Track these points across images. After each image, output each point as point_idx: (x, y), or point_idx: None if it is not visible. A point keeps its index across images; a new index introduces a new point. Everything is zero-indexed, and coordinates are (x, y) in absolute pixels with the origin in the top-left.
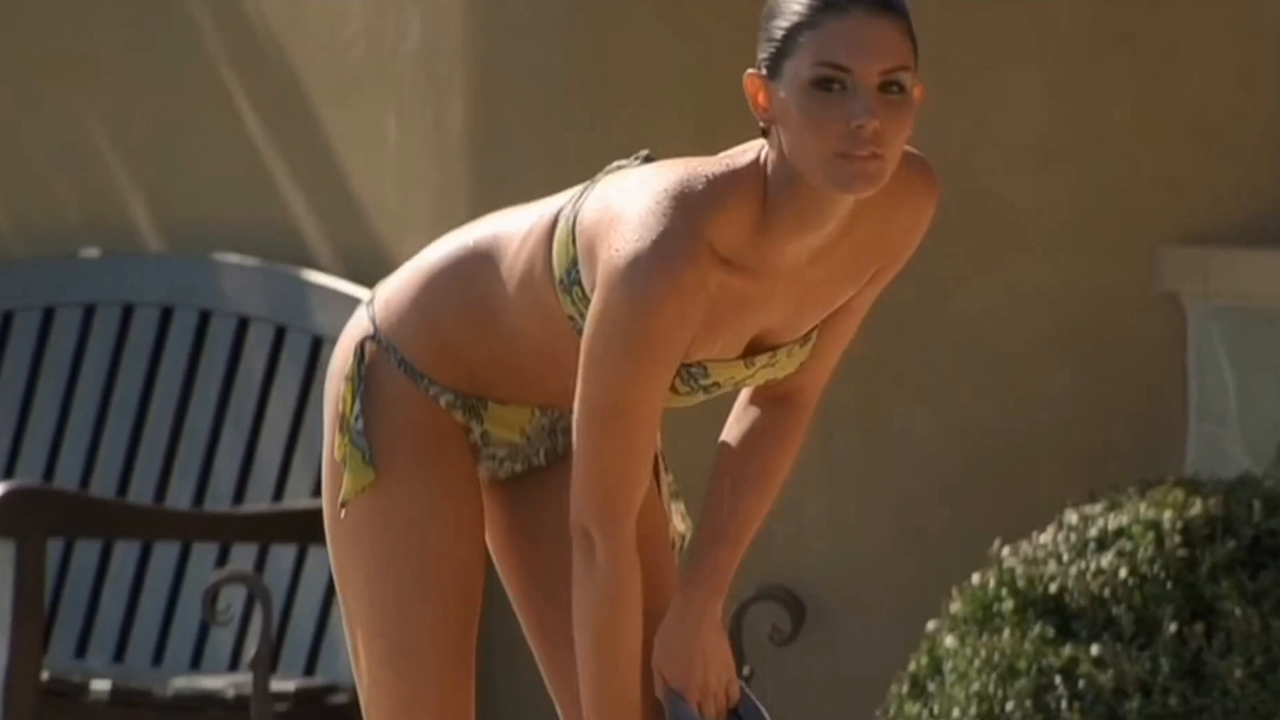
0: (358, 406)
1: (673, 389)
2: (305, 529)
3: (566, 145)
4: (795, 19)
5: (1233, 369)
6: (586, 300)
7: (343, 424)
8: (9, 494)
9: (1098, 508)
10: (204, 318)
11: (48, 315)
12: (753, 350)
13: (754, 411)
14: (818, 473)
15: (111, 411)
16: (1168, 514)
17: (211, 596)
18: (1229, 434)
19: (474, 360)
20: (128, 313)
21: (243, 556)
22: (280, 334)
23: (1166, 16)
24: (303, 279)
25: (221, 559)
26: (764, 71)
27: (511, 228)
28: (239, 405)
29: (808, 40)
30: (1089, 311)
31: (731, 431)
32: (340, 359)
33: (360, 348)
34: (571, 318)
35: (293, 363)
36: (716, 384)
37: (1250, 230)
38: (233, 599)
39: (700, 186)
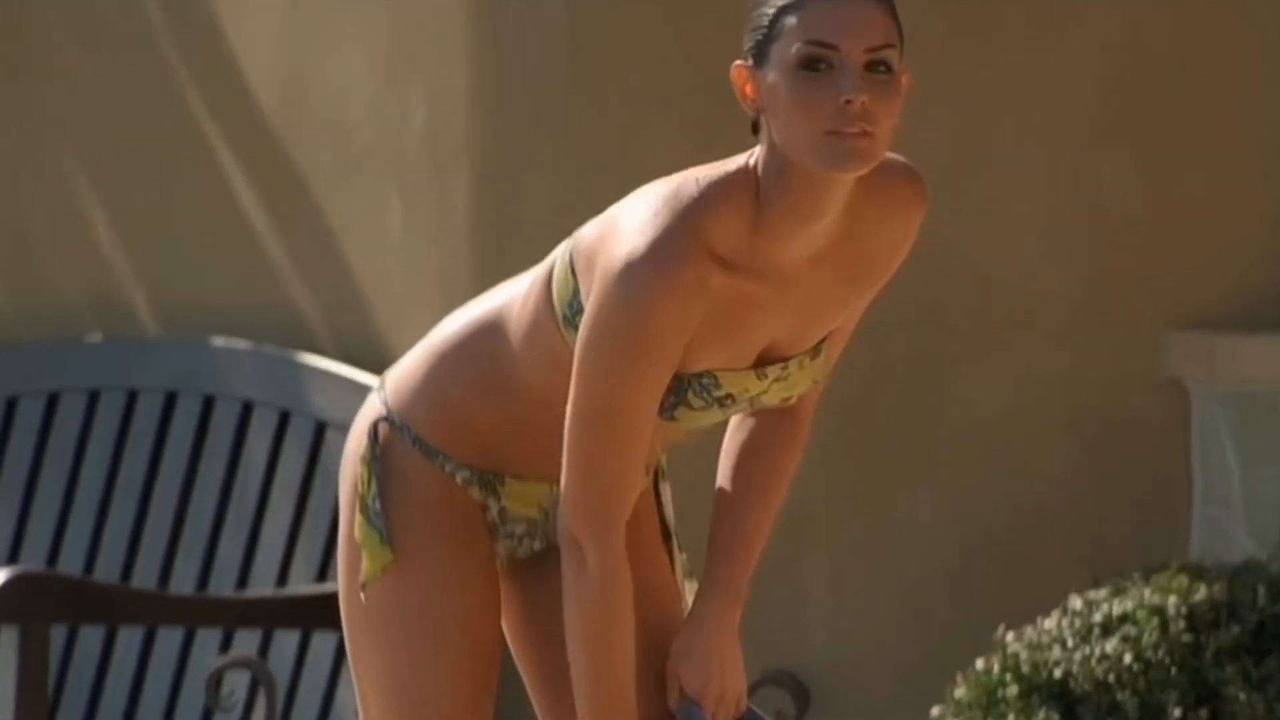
0: (375, 488)
1: (687, 404)
2: (309, 614)
3: (571, 228)
4: (780, 3)
5: (1237, 454)
6: None
7: (361, 505)
8: (12, 580)
9: (1102, 593)
10: (207, 403)
11: (51, 400)
12: (763, 362)
13: (751, 422)
14: (821, 556)
15: (115, 497)
16: (1172, 599)
17: (215, 682)
18: (1233, 519)
19: (489, 432)
20: (131, 398)
21: (247, 642)
22: (284, 419)
23: (1170, 105)
24: (306, 364)
25: (225, 644)
26: (750, 61)
27: (514, 291)
28: (242, 490)
29: (793, 22)
30: (1093, 396)
31: (732, 443)
32: (354, 443)
33: (374, 429)
34: None
35: (296, 448)
36: (730, 396)
37: (1254, 316)
38: (237, 684)
39: (694, 189)
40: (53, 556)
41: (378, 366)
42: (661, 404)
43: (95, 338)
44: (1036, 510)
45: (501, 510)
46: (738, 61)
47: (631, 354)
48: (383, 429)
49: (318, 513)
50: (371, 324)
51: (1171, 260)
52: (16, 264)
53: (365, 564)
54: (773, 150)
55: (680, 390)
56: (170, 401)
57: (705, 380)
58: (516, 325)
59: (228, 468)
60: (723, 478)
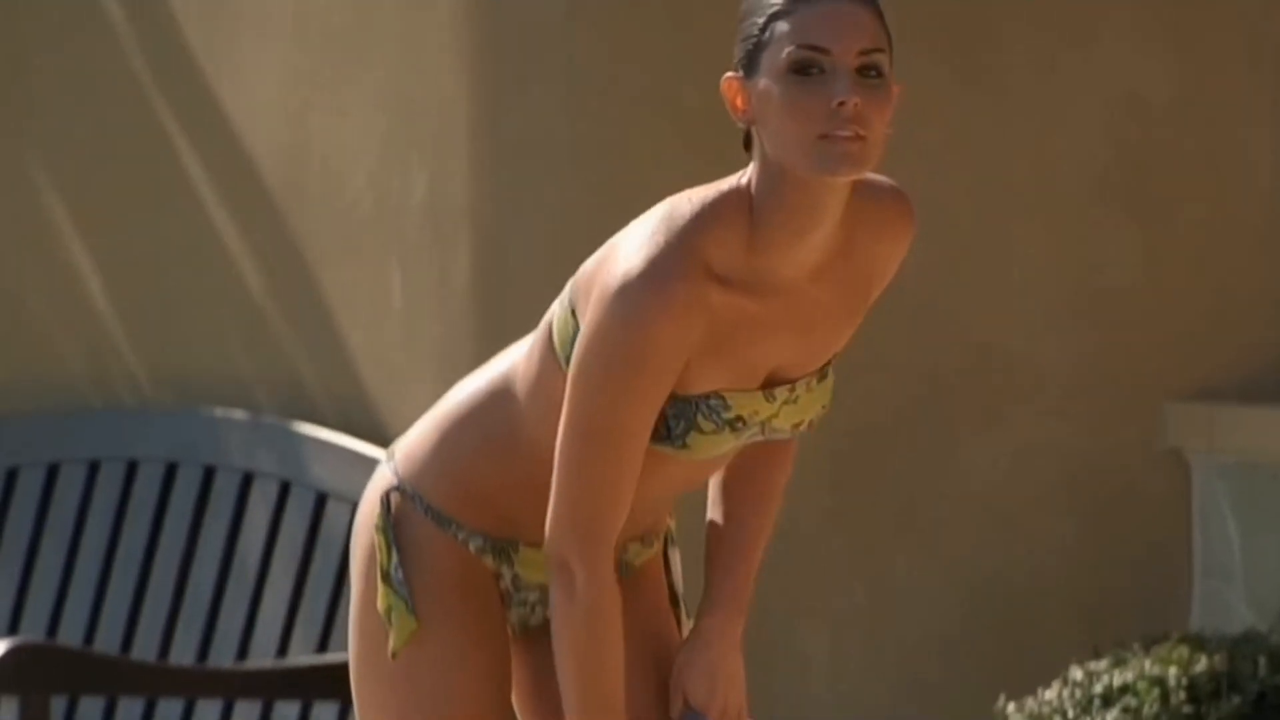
0: (395, 556)
1: (698, 428)
2: (310, 685)
3: None
4: (768, 11)
5: (1237, 525)
6: None
7: (384, 575)
8: (13, 650)
9: (1102, 663)
10: (207, 473)
11: (52, 471)
12: (771, 383)
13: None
14: (821, 622)
15: (115, 567)
16: (1173, 670)
17: None
18: (1234, 590)
19: (501, 496)
20: (131, 468)
21: (247, 713)
22: (284, 489)
23: (1169, 175)
24: (306, 434)
25: (226, 716)
26: (741, 72)
27: (517, 352)
28: (243, 561)
29: (784, 28)
30: (1093, 466)
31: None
32: (367, 514)
33: (386, 499)
34: None
35: (296, 518)
36: (740, 419)
37: (1254, 387)
38: None
39: (688, 209)
40: (53, 627)
41: (378, 437)
42: (671, 430)
43: (95, 409)
44: (1037, 580)
45: (515, 578)
46: (728, 74)
47: (628, 372)
48: (394, 498)
49: (318, 583)
50: (372, 395)
51: (1172, 330)
52: (16, 334)
53: (394, 634)
54: (765, 162)
55: (689, 413)
56: (170, 472)
57: (713, 402)
58: (522, 382)
59: (228, 538)
60: (714, 498)
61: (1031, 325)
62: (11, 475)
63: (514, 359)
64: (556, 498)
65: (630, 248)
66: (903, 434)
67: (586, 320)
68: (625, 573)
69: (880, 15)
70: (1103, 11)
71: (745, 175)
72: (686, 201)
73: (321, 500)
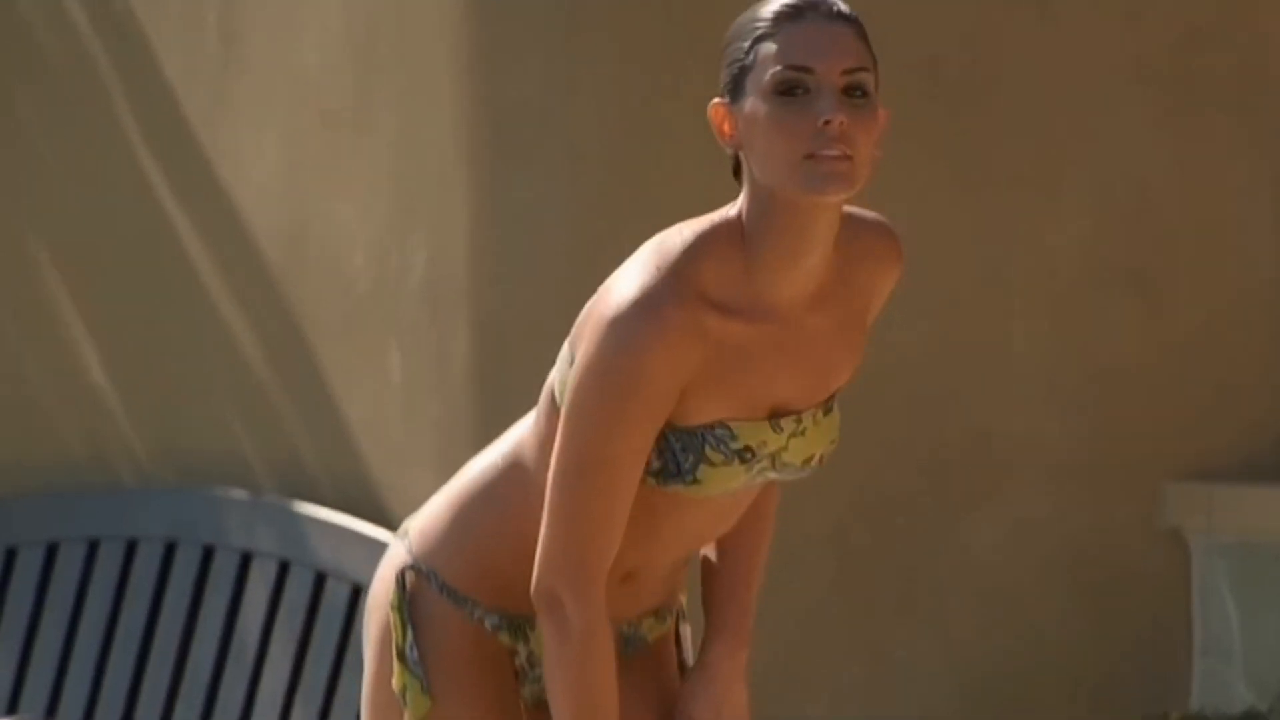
0: (410, 635)
1: (707, 460)
2: None
3: None
4: (754, 34)
5: (1236, 604)
6: None
7: (399, 654)
8: None
9: None
10: (207, 553)
11: (51, 550)
12: (777, 415)
13: None
14: (820, 700)
15: (115, 646)
16: None
17: None
18: (1233, 670)
19: (516, 571)
20: (131, 547)
21: None
22: (283, 568)
23: (1167, 254)
24: (305, 513)
25: None
26: (727, 97)
27: (525, 424)
28: (242, 640)
29: (768, 50)
30: (1093, 546)
31: None
32: (381, 592)
33: (400, 577)
34: None
35: (295, 597)
36: (749, 450)
37: (1253, 467)
38: None
39: (680, 239)
40: (52, 706)
41: (377, 516)
42: (681, 465)
43: (94, 488)
44: (1036, 659)
45: (530, 654)
46: (715, 100)
47: (623, 399)
48: (410, 577)
49: (317, 663)
50: (371, 473)
51: (1170, 410)
52: (16, 413)
53: (408, 713)
54: (755, 187)
55: (697, 445)
56: (170, 551)
57: (719, 431)
58: (530, 451)
59: (227, 617)
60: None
61: (1031, 404)
62: (11, 554)
63: (521, 431)
64: (547, 533)
65: (623, 280)
66: (904, 511)
67: (581, 354)
68: (639, 648)
69: (864, 36)
70: (1103, 95)
71: (736, 205)
72: (678, 233)
73: (321, 579)
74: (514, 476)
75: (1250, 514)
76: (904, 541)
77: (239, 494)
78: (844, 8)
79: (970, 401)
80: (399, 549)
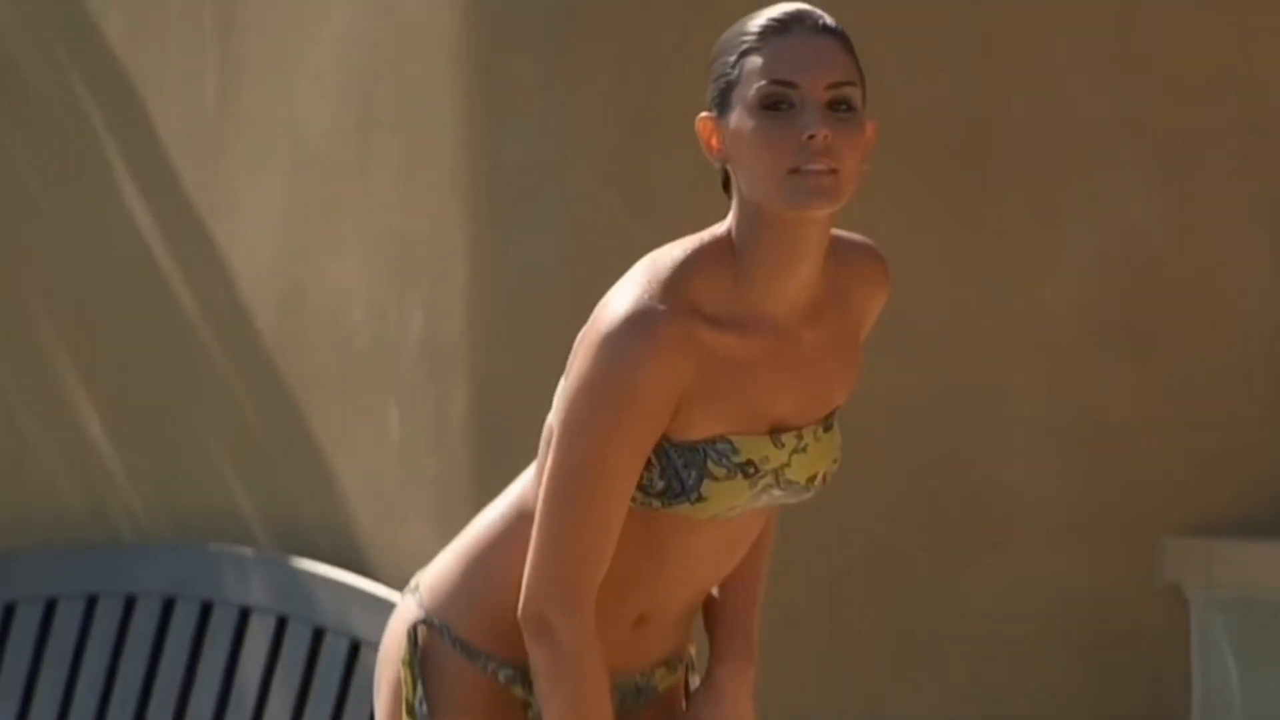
0: (420, 690)
1: (710, 475)
2: None
3: None
4: (740, 48)
5: (1236, 661)
6: None
7: (409, 709)
8: None
9: None
10: (205, 608)
11: (50, 606)
12: (777, 430)
13: None
14: None
15: (113, 702)
16: None
17: None
18: None
19: None
20: (129, 603)
21: None
22: (281, 624)
23: (1165, 308)
24: (303, 569)
25: None
26: (715, 111)
27: (528, 477)
28: (240, 696)
29: (753, 65)
30: (1092, 601)
31: None
32: (392, 647)
33: (413, 632)
34: None
35: (294, 654)
36: (752, 464)
37: (1252, 522)
38: None
39: (671, 256)
40: None
41: (375, 572)
42: (685, 482)
43: (93, 544)
44: (1035, 715)
45: None
46: (702, 114)
47: (616, 411)
48: (421, 631)
49: (316, 718)
50: (369, 530)
51: (1169, 465)
52: (14, 469)
53: None
54: (743, 201)
55: (699, 460)
56: (168, 607)
57: (721, 446)
58: (534, 500)
59: (225, 673)
60: None
61: (1030, 459)
62: (10, 610)
63: (525, 483)
64: (537, 553)
65: (616, 298)
66: (902, 565)
67: (574, 371)
68: (650, 698)
69: (851, 50)
70: (1100, 149)
71: (727, 221)
72: (669, 251)
73: (319, 635)
74: (520, 528)
75: (1250, 569)
76: (902, 597)
77: (237, 550)
78: (830, 21)
79: (968, 456)
80: (409, 604)
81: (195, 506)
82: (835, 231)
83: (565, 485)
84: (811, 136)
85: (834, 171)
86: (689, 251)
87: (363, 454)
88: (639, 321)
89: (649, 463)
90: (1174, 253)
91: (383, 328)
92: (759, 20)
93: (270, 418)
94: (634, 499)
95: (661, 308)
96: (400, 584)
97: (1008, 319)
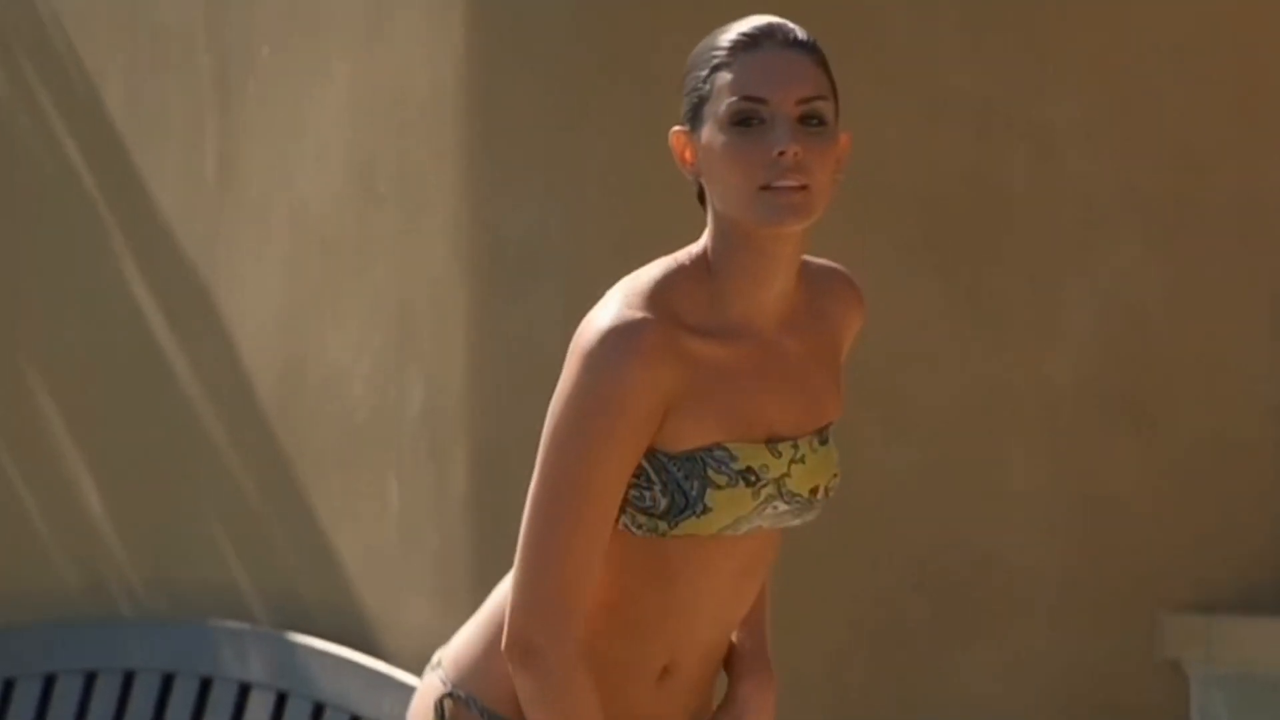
0: None
1: (712, 483)
2: None
3: None
4: (711, 63)
5: None
6: None
7: None
8: None
9: None
10: (204, 684)
11: (48, 682)
12: (773, 439)
13: None
14: None
15: None
16: None
17: None
18: None
19: None
20: (128, 679)
21: None
22: (281, 701)
23: (1165, 382)
24: (302, 645)
25: None
26: (687, 125)
27: None
28: None
29: (725, 80)
30: (1091, 677)
31: None
32: None
33: (439, 707)
34: None
35: None
36: (752, 471)
37: (1252, 598)
38: None
39: (648, 274)
40: None
41: (375, 648)
42: (688, 495)
43: (91, 620)
44: None
45: None
46: (675, 127)
47: (600, 419)
48: (448, 705)
49: None
50: (369, 605)
51: (1169, 540)
52: (12, 545)
53: None
54: (717, 215)
55: (698, 469)
56: (167, 683)
57: (718, 453)
58: None
59: None
60: None
61: (1029, 534)
62: (8, 686)
63: None
64: (520, 574)
65: (596, 314)
66: (900, 639)
67: (557, 388)
68: None
69: (823, 63)
70: (1101, 222)
71: (702, 238)
72: (646, 269)
73: (319, 711)
74: None
75: (1249, 646)
76: (901, 672)
77: (236, 626)
78: (801, 35)
79: (967, 531)
80: (432, 680)
81: (194, 582)
82: (806, 257)
83: (550, 505)
84: (782, 153)
85: (804, 188)
86: (665, 269)
87: (362, 528)
88: (621, 331)
89: (650, 483)
90: (1174, 327)
91: (382, 400)
92: (730, 35)
93: (269, 492)
94: (640, 525)
95: (642, 316)
96: (401, 660)
97: (1007, 392)
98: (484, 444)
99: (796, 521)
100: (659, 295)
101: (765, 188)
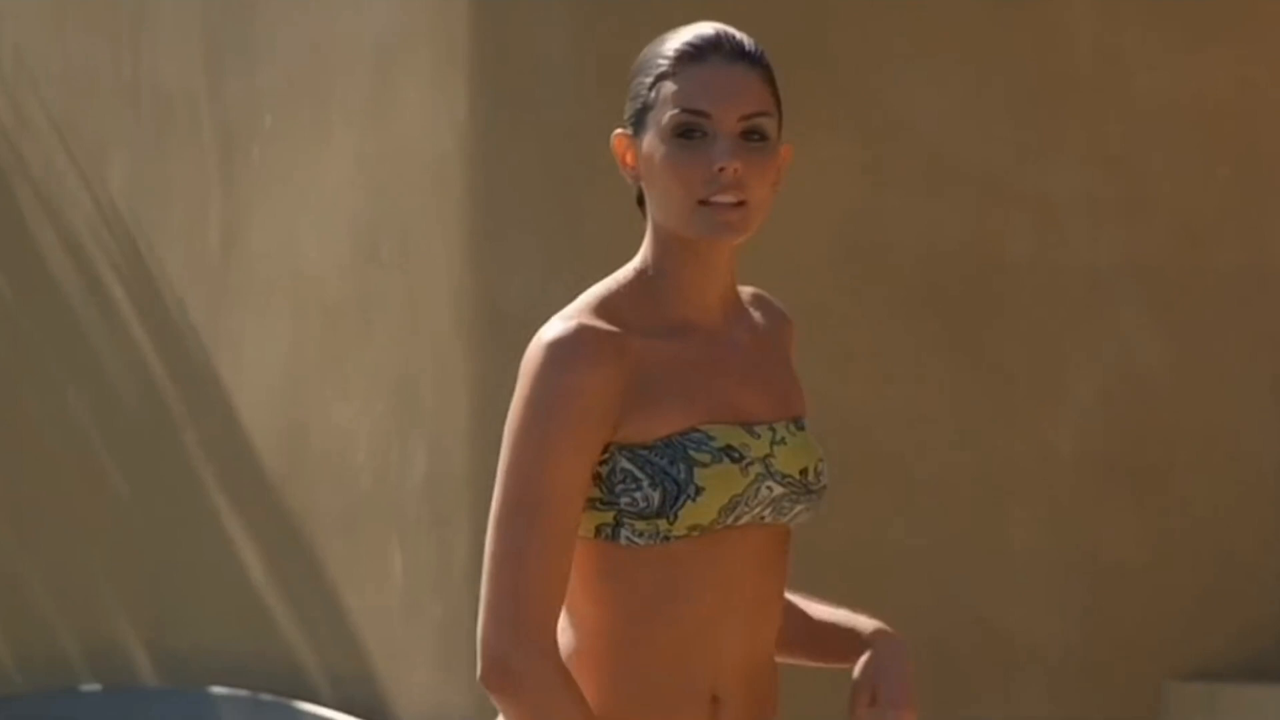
0: None
1: (697, 463)
2: None
3: None
4: (656, 71)
5: None
6: None
7: None
8: None
9: None
10: None
11: None
12: (749, 422)
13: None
14: None
15: None
16: None
17: None
18: None
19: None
20: None
21: None
22: None
23: (1167, 450)
24: (306, 713)
25: None
26: (630, 129)
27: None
28: None
29: (669, 90)
30: None
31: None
32: None
33: None
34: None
35: None
36: (733, 449)
37: (1255, 666)
38: None
39: (590, 291)
40: None
41: (378, 716)
42: (677, 480)
43: (93, 687)
44: None
45: None
46: (618, 130)
47: (551, 421)
48: None
49: None
50: (371, 673)
51: (1171, 608)
52: (14, 613)
53: None
54: (655, 221)
55: (679, 452)
56: None
57: (694, 435)
58: (584, 597)
59: None
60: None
61: (1031, 600)
62: None
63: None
64: (486, 593)
65: (542, 331)
66: None
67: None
68: None
69: (768, 77)
70: (1103, 293)
71: (642, 249)
72: (589, 290)
73: None
74: (580, 643)
75: (1251, 714)
76: None
77: (239, 694)
78: (749, 46)
79: (969, 598)
80: None
81: (196, 649)
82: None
83: (507, 518)
84: (721, 169)
85: (742, 203)
86: (607, 283)
87: (366, 597)
88: (557, 340)
89: (637, 482)
90: (1176, 395)
91: (385, 468)
92: (676, 43)
93: (272, 560)
94: (641, 533)
95: (577, 323)
96: None
97: (1010, 458)
98: (487, 512)
99: (802, 512)
100: (599, 304)
101: (703, 202)
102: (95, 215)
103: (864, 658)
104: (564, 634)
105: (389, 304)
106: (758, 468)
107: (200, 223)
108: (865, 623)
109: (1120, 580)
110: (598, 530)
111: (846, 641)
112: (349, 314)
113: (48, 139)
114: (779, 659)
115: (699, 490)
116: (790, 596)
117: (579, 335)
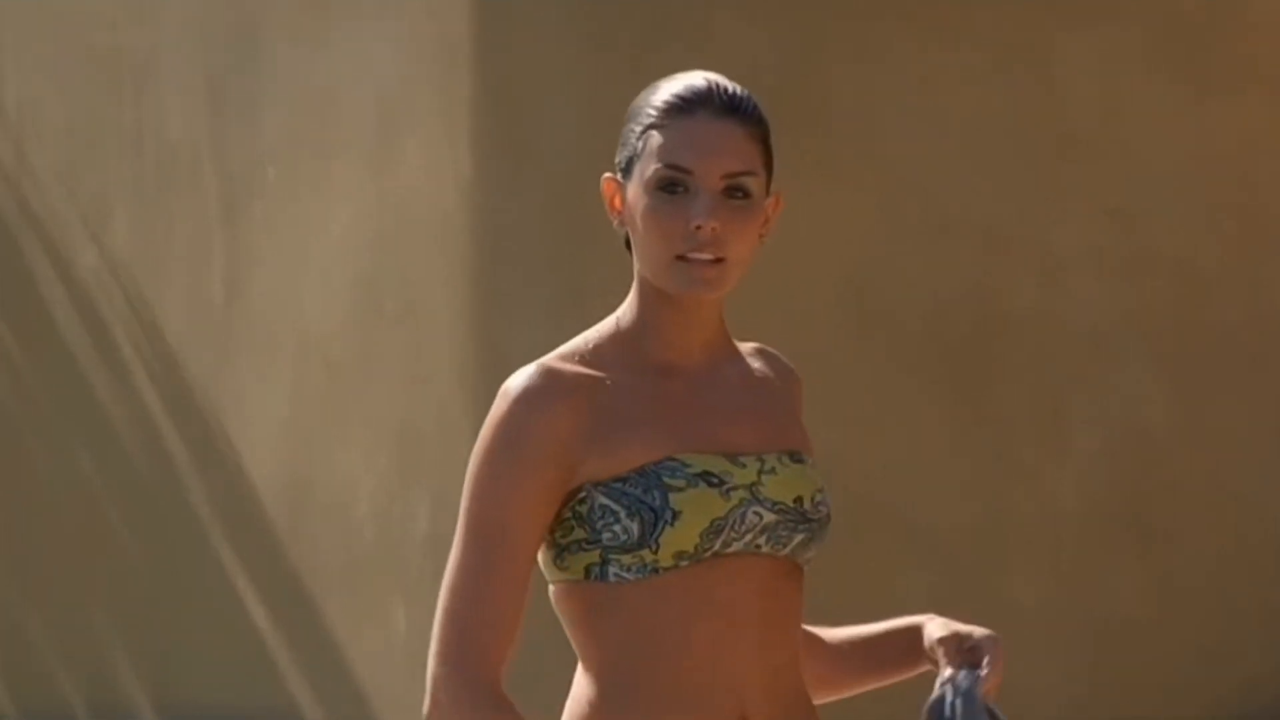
0: None
1: (672, 488)
2: None
3: None
4: (645, 121)
5: None
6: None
7: None
8: None
9: None
10: None
11: None
12: (733, 453)
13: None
14: None
15: None
16: None
17: None
18: None
19: None
20: None
21: None
22: None
23: (1170, 504)
24: None
25: None
26: (620, 175)
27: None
28: None
29: (656, 142)
30: None
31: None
32: None
33: None
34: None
35: None
36: (711, 474)
37: (1259, 718)
38: None
39: (566, 343)
40: None
41: None
42: (653, 507)
43: None
44: None
45: None
46: (607, 174)
47: (505, 456)
48: None
49: None
50: None
51: (1173, 661)
52: (18, 666)
53: None
54: (637, 267)
55: (652, 480)
56: None
57: (667, 463)
58: (587, 639)
59: None
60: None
61: (1033, 654)
62: None
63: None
64: (437, 622)
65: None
66: None
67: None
68: None
69: (757, 133)
70: (1106, 345)
71: (628, 298)
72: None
73: None
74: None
75: None
76: None
77: None
78: (739, 97)
79: None
80: None
81: (200, 701)
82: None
83: (457, 553)
84: (699, 227)
85: (720, 260)
86: (593, 329)
87: (369, 650)
88: (515, 381)
89: (614, 515)
90: (1179, 447)
91: (388, 522)
92: (666, 94)
93: (274, 614)
94: (629, 568)
95: (536, 366)
96: None
97: (1013, 511)
98: None
99: (803, 543)
100: (574, 349)
101: (680, 258)
102: (100, 266)
103: (934, 621)
104: (578, 679)
105: (392, 356)
106: (742, 493)
107: (203, 275)
108: (916, 617)
109: (1124, 634)
110: (587, 571)
111: (909, 638)
112: (352, 366)
113: (52, 190)
114: (839, 696)
115: (675, 515)
116: (830, 630)
117: (531, 377)
